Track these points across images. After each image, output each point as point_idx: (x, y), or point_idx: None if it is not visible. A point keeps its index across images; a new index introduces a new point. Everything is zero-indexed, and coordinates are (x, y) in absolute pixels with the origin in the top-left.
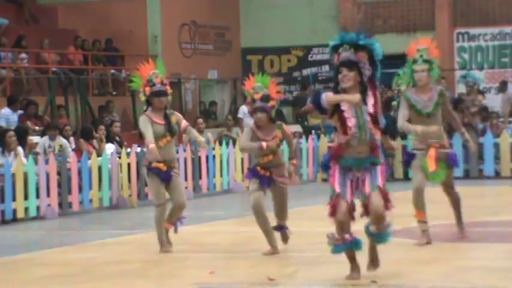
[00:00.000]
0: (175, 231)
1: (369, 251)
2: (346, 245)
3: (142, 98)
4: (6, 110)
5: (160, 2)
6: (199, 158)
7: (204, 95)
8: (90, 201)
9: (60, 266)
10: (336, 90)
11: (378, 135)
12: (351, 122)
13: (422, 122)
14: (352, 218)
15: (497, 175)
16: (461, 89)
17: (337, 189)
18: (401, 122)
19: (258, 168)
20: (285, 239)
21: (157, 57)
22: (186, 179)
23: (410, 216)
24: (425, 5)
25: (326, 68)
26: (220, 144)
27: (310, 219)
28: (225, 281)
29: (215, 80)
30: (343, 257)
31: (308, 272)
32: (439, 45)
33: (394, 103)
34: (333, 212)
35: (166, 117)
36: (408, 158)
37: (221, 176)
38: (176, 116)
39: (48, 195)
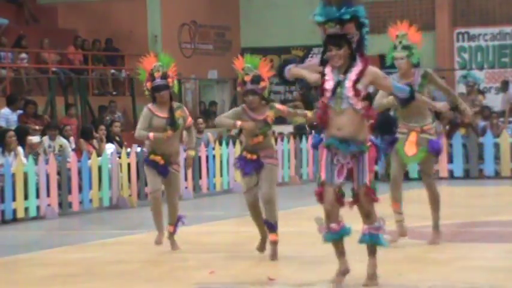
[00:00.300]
0: (175, 232)
1: (367, 266)
2: (334, 234)
3: (146, 92)
4: (5, 110)
5: (160, 1)
6: (200, 157)
7: (204, 94)
8: (90, 201)
9: (60, 266)
10: (322, 62)
11: (358, 106)
12: (329, 85)
13: (405, 106)
14: (341, 204)
15: (497, 175)
16: (461, 89)
17: (323, 176)
18: (378, 101)
19: (245, 153)
20: (273, 252)
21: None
22: (186, 179)
23: (411, 216)
24: (425, 4)
25: None
26: (220, 144)
27: (310, 219)
28: (225, 281)
29: (215, 79)
30: None
31: (308, 272)
32: (439, 45)
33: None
34: (320, 200)
35: (171, 111)
36: (392, 142)
37: (221, 176)
38: (182, 112)
39: (48, 195)
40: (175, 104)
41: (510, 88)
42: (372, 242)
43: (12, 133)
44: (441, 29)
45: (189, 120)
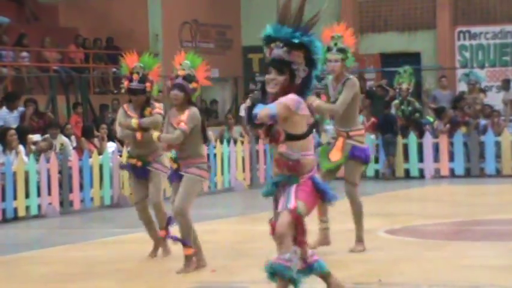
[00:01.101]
0: (171, 238)
1: None
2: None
3: (123, 90)
4: (2, 110)
5: (161, 0)
6: None
7: (205, 93)
8: (92, 199)
9: (62, 264)
10: (263, 91)
11: (282, 149)
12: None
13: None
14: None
15: (499, 173)
16: (462, 87)
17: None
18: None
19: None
20: (186, 266)
21: (158, 55)
22: None
23: (411, 215)
24: (426, 3)
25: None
26: (222, 142)
27: (309, 217)
28: (226, 279)
29: (216, 78)
30: (342, 256)
31: None
32: (440, 43)
33: (396, 102)
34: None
35: (142, 114)
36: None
37: (222, 174)
38: (151, 108)
39: (49, 193)
40: (149, 104)
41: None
42: (278, 274)
43: (13, 131)
44: (442, 27)
45: (155, 111)
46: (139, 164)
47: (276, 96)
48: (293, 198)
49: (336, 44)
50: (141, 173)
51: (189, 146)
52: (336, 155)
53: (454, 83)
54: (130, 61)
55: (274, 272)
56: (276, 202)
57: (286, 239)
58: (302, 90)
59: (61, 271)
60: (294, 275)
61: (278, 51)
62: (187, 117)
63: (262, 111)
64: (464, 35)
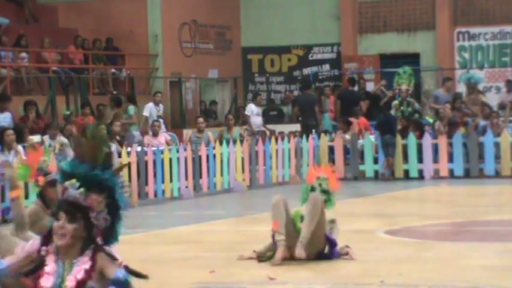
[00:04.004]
0: None
1: None
2: None
3: (36, 188)
4: None
5: (161, 1)
6: (200, 157)
7: (204, 94)
8: None
9: None
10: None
11: None
12: (48, 282)
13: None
14: None
15: (498, 174)
16: (462, 88)
17: None
18: None
19: None
20: None
21: (158, 56)
22: (186, 178)
23: (411, 216)
24: (425, 4)
25: (327, 67)
26: (221, 143)
27: None
28: (226, 280)
29: (216, 79)
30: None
31: (308, 271)
32: (440, 44)
33: (395, 102)
34: None
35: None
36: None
37: (221, 175)
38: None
39: None
40: None
41: None
42: None
43: (10, 131)
44: (441, 28)
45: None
46: None
47: (67, 248)
48: None
49: (320, 185)
50: None
51: None
52: None
53: (453, 84)
54: (33, 159)
55: None
56: None
57: None
58: (103, 242)
59: None
60: None
61: (73, 192)
62: None
63: None
64: (464, 36)
